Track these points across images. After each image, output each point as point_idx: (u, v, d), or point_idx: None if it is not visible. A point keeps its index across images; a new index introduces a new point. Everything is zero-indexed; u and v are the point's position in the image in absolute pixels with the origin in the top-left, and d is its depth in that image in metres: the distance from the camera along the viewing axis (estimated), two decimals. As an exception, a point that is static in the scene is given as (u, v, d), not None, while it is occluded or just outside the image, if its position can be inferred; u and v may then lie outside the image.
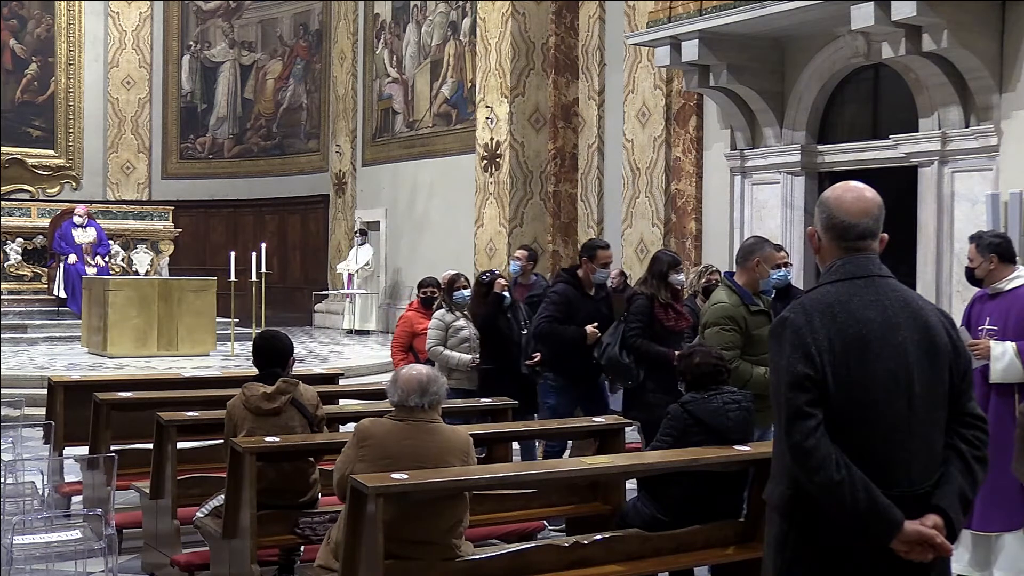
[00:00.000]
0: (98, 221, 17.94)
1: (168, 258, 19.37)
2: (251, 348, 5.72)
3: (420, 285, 8.73)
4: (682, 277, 7.10)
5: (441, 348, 7.71)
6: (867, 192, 2.89)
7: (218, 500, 5.27)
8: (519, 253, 9.92)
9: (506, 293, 7.82)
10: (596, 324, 7.05)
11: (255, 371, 5.66)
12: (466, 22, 16.84)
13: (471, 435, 4.69)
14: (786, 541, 2.83)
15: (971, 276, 5.83)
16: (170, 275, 17.82)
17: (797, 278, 11.91)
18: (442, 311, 7.85)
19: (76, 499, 6.67)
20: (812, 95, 11.93)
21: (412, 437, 4.39)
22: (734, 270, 6.06)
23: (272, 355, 5.49)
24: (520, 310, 8.01)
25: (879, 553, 2.71)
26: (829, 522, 2.73)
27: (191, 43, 22.11)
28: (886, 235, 2.89)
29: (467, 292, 7.85)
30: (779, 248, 6.59)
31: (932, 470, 2.78)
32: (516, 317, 7.86)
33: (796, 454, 2.70)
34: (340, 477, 4.44)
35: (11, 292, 17.64)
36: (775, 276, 6.20)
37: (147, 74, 21.65)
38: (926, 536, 2.68)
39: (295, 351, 5.78)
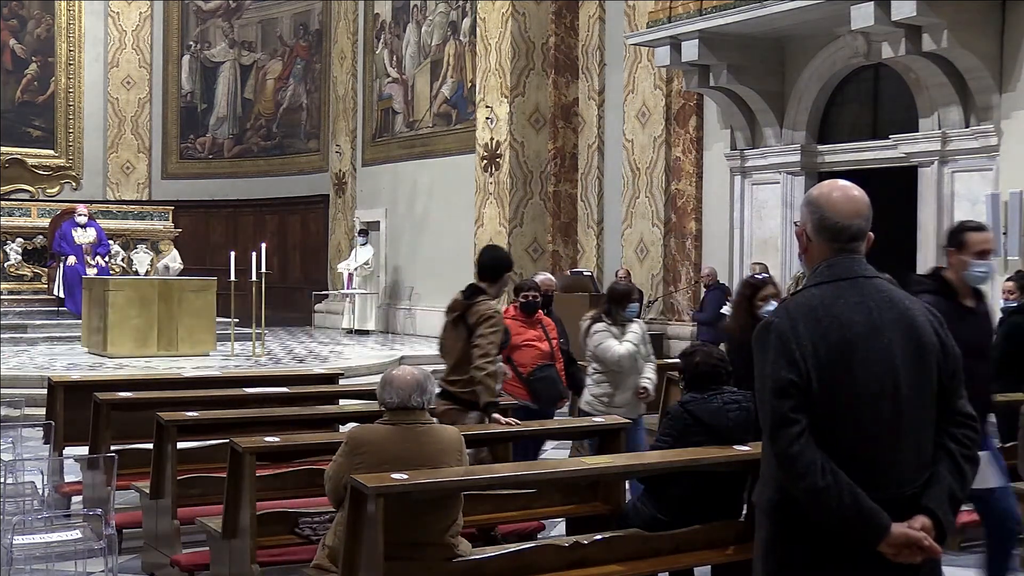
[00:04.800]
0: (98, 221, 17.93)
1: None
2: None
3: (518, 289, 7.48)
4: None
5: (615, 342, 6.81)
6: (855, 191, 2.86)
7: None
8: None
9: (773, 302, 5.74)
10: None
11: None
12: (466, 22, 16.83)
13: (471, 435, 4.68)
14: (774, 545, 2.83)
15: None
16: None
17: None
18: (604, 323, 6.89)
19: (76, 499, 6.66)
20: (812, 95, 11.93)
21: (408, 441, 4.37)
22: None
23: (480, 268, 6.13)
24: None
25: (867, 556, 2.70)
26: (816, 526, 2.72)
27: (191, 43, 22.11)
28: (872, 234, 2.87)
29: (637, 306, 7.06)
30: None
31: (922, 471, 2.77)
32: None
33: (781, 460, 2.70)
34: (335, 485, 4.41)
35: (11, 292, 17.65)
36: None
37: (147, 74, 21.64)
38: (914, 539, 2.68)
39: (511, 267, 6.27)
